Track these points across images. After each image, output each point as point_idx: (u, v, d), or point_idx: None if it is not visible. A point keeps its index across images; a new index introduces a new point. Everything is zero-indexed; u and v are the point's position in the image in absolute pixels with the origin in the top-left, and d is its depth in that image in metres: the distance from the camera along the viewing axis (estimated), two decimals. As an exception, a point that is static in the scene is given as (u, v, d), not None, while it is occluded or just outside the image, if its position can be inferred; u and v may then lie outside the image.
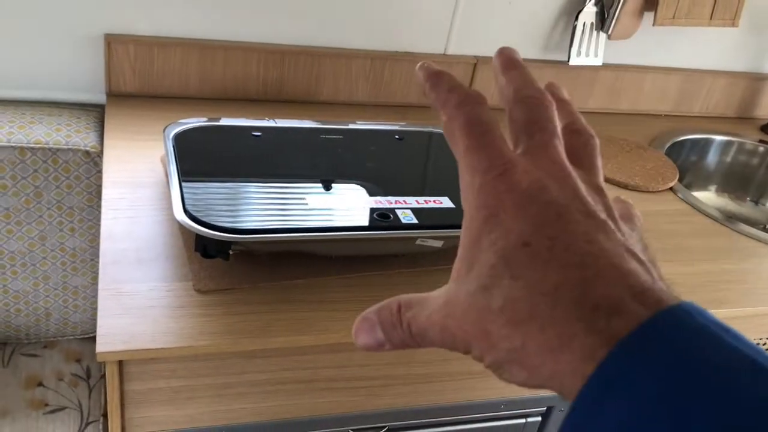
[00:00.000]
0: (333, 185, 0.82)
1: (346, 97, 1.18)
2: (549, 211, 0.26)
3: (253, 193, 0.79)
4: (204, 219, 0.70)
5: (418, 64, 0.32)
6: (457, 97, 0.30)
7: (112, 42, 1.01)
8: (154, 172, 0.90)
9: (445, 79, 0.30)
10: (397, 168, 0.91)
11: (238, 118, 0.95)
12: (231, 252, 0.71)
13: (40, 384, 1.03)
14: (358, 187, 0.83)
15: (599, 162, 0.31)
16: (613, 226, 0.27)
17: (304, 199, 0.78)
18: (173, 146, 0.84)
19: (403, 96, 1.20)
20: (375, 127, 1.01)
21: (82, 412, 1.00)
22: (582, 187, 0.28)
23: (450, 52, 1.20)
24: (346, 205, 0.78)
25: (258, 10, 1.07)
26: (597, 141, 0.32)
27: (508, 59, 0.32)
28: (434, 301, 0.28)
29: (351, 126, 0.99)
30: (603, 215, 0.27)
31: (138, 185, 0.86)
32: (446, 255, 0.84)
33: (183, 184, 0.76)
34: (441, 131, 1.00)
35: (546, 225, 0.26)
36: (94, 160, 0.97)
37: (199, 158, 0.84)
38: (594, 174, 0.30)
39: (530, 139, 0.29)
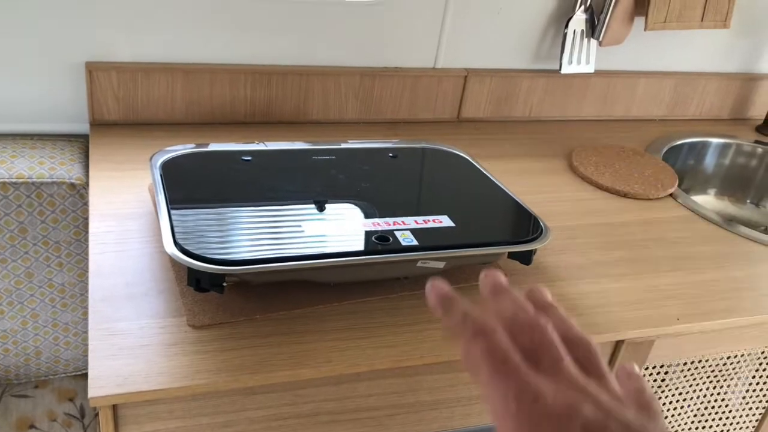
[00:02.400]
0: (328, 208, 0.79)
1: (336, 116, 1.15)
2: (590, 430, 0.27)
3: (246, 220, 0.76)
4: (196, 251, 0.67)
5: (428, 285, 0.34)
6: (473, 326, 0.31)
7: (93, 70, 0.99)
8: (142, 203, 0.87)
9: (457, 306, 0.32)
10: (393, 187, 0.88)
11: (226, 143, 0.92)
12: (225, 284, 0.68)
13: (32, 426, 0.99)
14: (354, 208, 0.80)
15: (605, 365, 0.32)
16: (649, 426, 0.28)
17: (299, 224, 0.75)
18: (161, 175, 0.81)
19: (394, 112, 1.18)
20: (368, 146, 0.98)
21: (76, 454, 0.97)
22: (606, 399, 0.29)
23: (440, 65, 1.18)
24: (343, 229, 0.75)
25: (242, 30, 1.05)
26: (595, 344, 0.33)
27: (495, 284, 0.34)
28: None
29: (343, 145, 0.97)
30: (638, 422, 0.28)
31: (126, 217, 0.84)
32: (450, 275, 0.82)
33: (172, 213, 0.73)
34: (435, 147, 0.97)
35: None
36: (79, 193, 0.93)
37: (188, 186, 0.81)
38: (606, 379, 0.31)
39: (541, 363, 0.30)
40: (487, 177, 0.93)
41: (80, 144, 1.01)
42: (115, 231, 0.81)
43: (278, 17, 1.06)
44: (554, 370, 0.30)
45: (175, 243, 0.69)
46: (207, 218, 0.75)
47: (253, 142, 0.93)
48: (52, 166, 0.93)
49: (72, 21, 0.96)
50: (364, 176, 0.89)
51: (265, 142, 0.94)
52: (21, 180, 0.90)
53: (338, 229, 0.75)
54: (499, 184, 0.91)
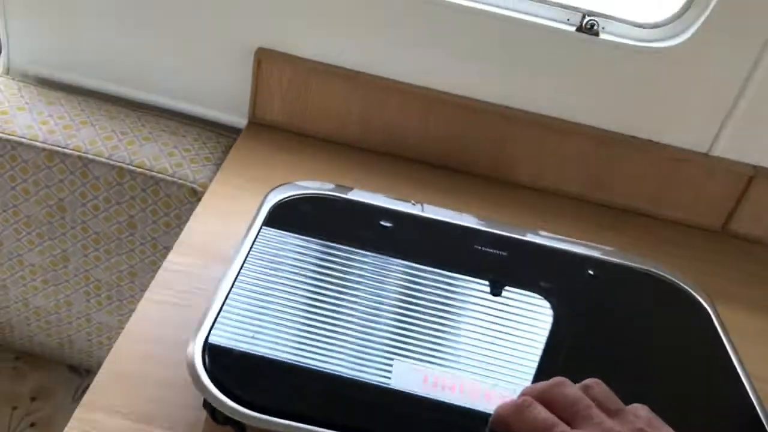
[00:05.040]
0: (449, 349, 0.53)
1: (550, 183, 0.87)
2: None
3: (332, 335, 0.53)
4: (220, 376, 0.46)
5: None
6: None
7: (263, 59, 0.81)
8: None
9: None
10: (567, 334, 0.59)
11: (373, 193, 0.69)
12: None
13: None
14: (488, 366, 0.53)
15: (621, 402, 0.42)
16: None
17: (389, 362, 0.51)
18: (262, 223, 0.61)
19: (629, 197, 0.86)
20: (561, 247, 0.69)
21: None
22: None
23: (716, 153, 0.83)
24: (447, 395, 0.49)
25: (453, 53, 0.80)
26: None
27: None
28: None
29: (528, 236, 0.69)
30: None
31: (216, 258, 0.65)
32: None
33: (231, 295, 0.53)
34: (659, 273, 0.62)
35: None
36: (200, 201, 0.78)
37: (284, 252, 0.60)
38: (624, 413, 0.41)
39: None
40: (724, 345, 0.60)
41: (226, 141, 0.85)
42: (193, 275, 0.63)
43: (506, 47, 0.79)
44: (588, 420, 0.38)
45: (206, 344, 0.48)
46: (277, 314, 0.53)
47: (408, 202, 0.70)
48: (180, 162, 0.78)
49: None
50: (531, 301, 0.61)
51: (423, 204, 0.70)
52: (139, 169, 0.76)
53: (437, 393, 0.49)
54: (737, 365, 0.57)
